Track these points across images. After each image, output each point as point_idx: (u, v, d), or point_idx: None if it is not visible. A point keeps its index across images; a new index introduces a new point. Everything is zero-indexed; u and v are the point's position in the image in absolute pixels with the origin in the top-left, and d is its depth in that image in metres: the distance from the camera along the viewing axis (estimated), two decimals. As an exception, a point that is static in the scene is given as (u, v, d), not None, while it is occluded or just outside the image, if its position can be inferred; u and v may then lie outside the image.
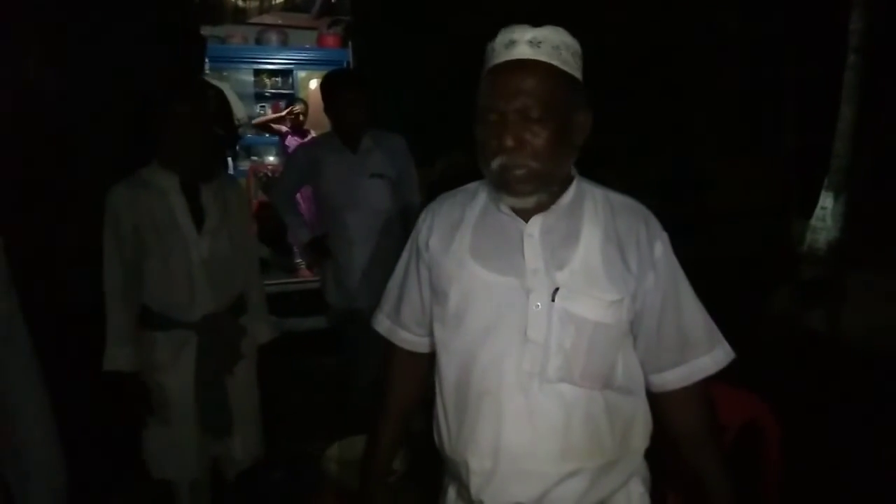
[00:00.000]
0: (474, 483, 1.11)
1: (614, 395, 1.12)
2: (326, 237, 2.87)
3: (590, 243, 1.10)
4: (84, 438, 1.84)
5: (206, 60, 4.70)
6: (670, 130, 4.91)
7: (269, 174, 6.00)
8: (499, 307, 1.10)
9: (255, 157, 6.66)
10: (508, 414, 1.08)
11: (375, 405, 1.35)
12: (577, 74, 1.09)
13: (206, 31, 4.64)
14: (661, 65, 4.76)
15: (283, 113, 5.81)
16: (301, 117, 5.65)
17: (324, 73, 3.14)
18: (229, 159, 5.31)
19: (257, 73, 6.73)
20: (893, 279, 4.08)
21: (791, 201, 5.21)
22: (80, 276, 2.11)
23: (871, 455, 2.53)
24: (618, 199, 1.18)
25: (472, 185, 1.25)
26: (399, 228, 2.78)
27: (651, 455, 1.22)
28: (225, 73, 6.32)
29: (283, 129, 5.75)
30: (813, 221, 5.07)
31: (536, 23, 1.07)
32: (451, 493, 1.24)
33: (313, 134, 5.59)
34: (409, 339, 1.30)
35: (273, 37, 6.68)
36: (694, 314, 1.16)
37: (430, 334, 1.25)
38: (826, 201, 4.99)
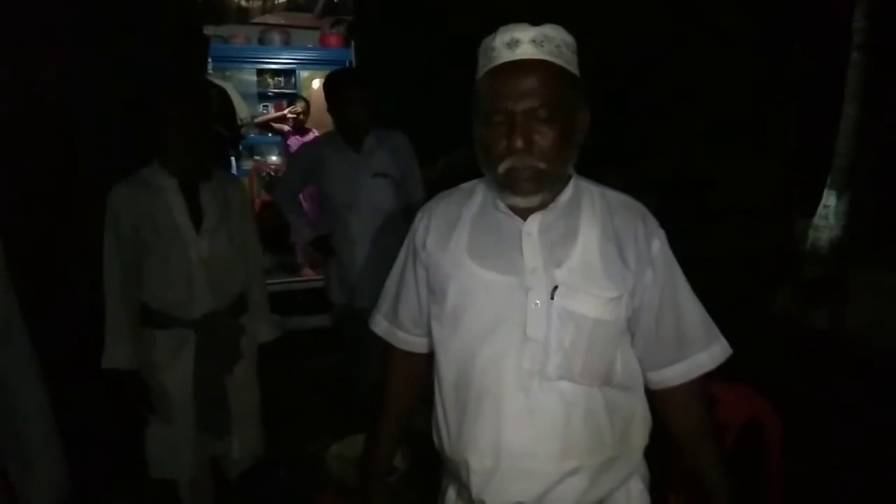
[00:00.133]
0: (475, 483, 1.11)
1: (614, 393, 1.12)
2: (330, 236, 2.87)
3: (588, 241, 1.10)
4: (85, 438, 1.84)
5: (209, 60, 4.70)
6: (672, 129, 4.90)
7: (272, 174, 6.01)
8: (497, 306, 1.09)
9: (257, 157, 6.67)
10: (509, 413, 1.08)
11: (374, 404, 1.35)
12: (577, 72, 1.09)
13: (209, 30, 4.64)
14: (662, 63, 4.75)
15: (285, 112, 5.82)
16: (302, 116, 5.65)
17: (326, 72, 3.14)
18: (232, 159, 5.31)
19: (260, 72, 6.74)
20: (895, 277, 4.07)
21: (794, 200, 5.20)
22: (81, 275, 2.12)
23: (871, 455, 2.53)
24: (614, 196, 1.18)
25: (468, 184, 1.25)
26: (403, 228, 2.77)
27: (653, 455, 1.22)
28: (228, 73, 6.34)
29: (286, 128, 5.76)
30: (816, 220, 5.06)
31: (537, 22, 1.07)
32: (451, 493, 1.24)
33: (315, 132, 5.59)
34: (407, 339, 1.30)
35: (276, 37, 6.69)
36: (691, 311, 1.16)
37: (429, 334, 1.25)
38: (829, 200, 4.99)
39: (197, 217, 1.99)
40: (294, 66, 6.73)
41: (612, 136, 3.76)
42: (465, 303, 1.12)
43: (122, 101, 2.62)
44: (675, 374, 1.15)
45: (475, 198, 1.20)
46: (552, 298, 1.07)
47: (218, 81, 4.36)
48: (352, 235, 2.77)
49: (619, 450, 1.13)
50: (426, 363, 1.29)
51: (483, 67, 1.08)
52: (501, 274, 1.10)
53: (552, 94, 1.03)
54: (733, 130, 5.05)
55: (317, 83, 6.50)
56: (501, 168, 1.06)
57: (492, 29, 1.08)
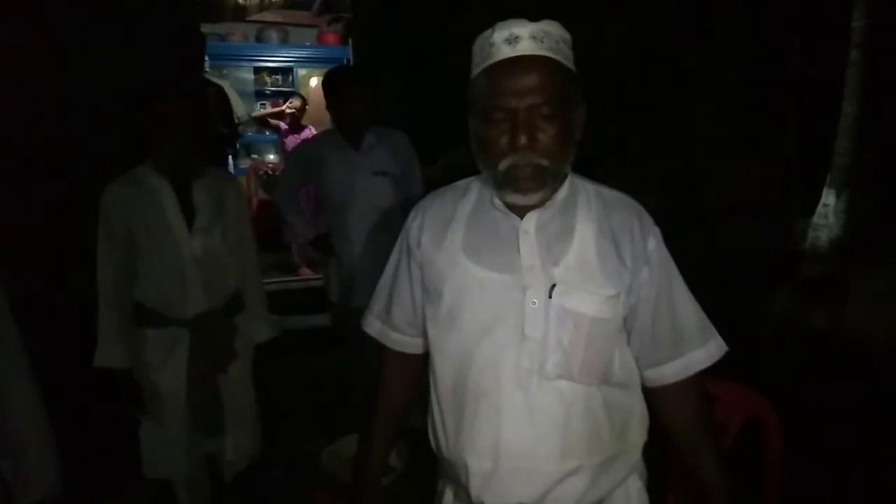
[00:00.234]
0: (474, 484, 1.10)
1: (612, 391, 1.12)
2: (329, 235, 2.86)
3: (584, 239, 1.09)
4: (81, 438, 1.83)
5: (207, 58, 4.69)
6: (671, 128, 4.90)
7: (270, 172, 6.00)
8: (495, 305, 1.08)
9: (255, 156, 6.67)
10: (507, 413, 1.07)
11: (369, 404, 1.34)
12: (574, 69, 1.08)
13: (206, 28, 4.63)
14: (661, 62, 4.74)
15: (283, 107, 5.81)
16: (297, 112, 5.64)
17: (324, 70, 3.13)
18: (230, 157, 5.31)
19: (257, 70, 6.74)
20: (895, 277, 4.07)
21: (793, 199, 5.20)
22: (79, 275, 2.11)
23: (871, 455, 2.52)
24: (610, 194, 1.17)
25: (462, 182, 1.23)
26: (402, 226, 2.77)
27: (652, 455, 1.21)
28: (225, 71, 6.34)
29: (282, 124, 5.75)
30: (815, 219, 5.06)
31: (536, 19, 1.05)
32: (449, 494, 1.23)
33: (311, 129, 5.58)
34: (401, 340, 1.28)
35: (273, 34, 6.69)
36: (687, 308, 1.16)
37: (423, 335, 1.23)
38: (828, 199, 4.98)
39: (190, 215, 1.98)
40: (291, 63, 6.73)
41: (612, 135, 3.75)
42: (461, 302, 1.11)
43: (120, 100, 2.61)
44: (671, 371, 1.15)
45: (470, 195, 1.19)
46: (550, 297, 1.06)
47: (215, 79, 4.37)
48: (351, 234, 2.75)
49: (618, 448, 1.12)
50: (421, 364, 1.27)
51: (480, 64, 1.06)
52: (498, 272, 1.09)
53: (554, 90, 1.02)
54: (733, 129, 5.05)
55: (314, 81, 6.50)
56: (502, 165, 1.04)
57: (489, 26, 1.06)
